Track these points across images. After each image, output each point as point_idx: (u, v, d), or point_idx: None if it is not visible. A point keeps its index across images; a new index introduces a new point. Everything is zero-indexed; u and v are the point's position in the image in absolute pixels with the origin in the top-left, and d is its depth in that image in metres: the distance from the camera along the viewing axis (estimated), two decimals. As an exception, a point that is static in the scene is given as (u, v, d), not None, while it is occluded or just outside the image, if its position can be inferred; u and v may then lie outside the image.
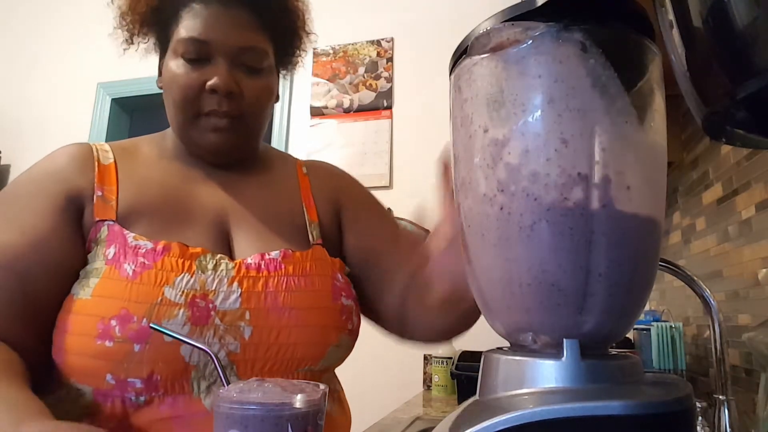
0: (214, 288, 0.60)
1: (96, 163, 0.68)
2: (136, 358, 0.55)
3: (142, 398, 0.56)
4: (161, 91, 0.73)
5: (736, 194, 0.95)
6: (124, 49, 0.75)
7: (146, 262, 0.58)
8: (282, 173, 0.79)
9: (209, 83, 0.65)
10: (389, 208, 2.31)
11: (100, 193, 0.65)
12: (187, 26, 0.66)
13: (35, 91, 2.77)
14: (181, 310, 0.57)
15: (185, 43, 0.66)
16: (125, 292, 0.56)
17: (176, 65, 0.67)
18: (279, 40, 0.73)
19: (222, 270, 0.61)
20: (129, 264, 0.58)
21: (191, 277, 0.59)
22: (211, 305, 0.59)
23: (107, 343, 0.54)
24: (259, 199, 0.73)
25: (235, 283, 0.61)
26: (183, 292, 0.57)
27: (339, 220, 0.79)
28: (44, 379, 0.60)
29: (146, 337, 0.55)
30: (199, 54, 0.66)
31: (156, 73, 0.75)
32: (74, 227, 0.63)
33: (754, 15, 0.28)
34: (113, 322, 0.55)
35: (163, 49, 0.72)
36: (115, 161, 0.69)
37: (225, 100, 0.66)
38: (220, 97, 0.65)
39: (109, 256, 0.59)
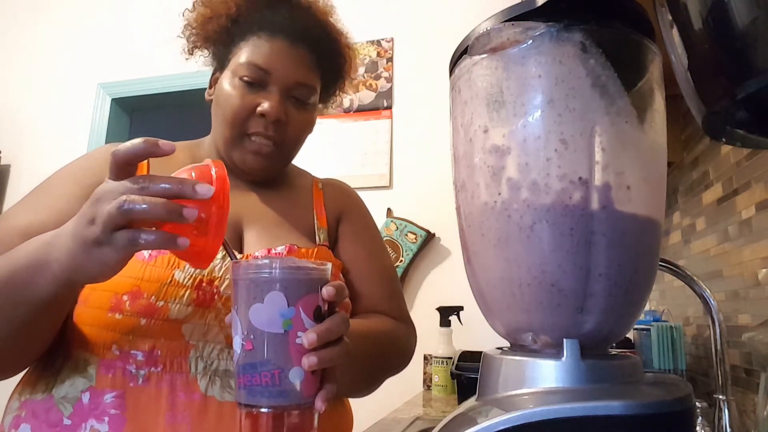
0: (220, 275, 0.63)
1: None
2: (141, 332, 0.59)
3: (142, 372, 0.59)
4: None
5: (736, 194, 0.95)
6: (186, 59, 0.81)
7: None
8: (299, 186, 0.84)
9: (260, 108, 0.69)
10: (389, 208, 2.31)
11: None
12: (252, 52, 0.71)
13: (35, 91, 2.76)
14: (187, 292, 0.60)
15: (247, 67, 0.70)
16: (139, 272, 0.60)
17: (233, 85, 0.71)
18: (327, 79, 0.80)
19: (229, 260, 0.64)
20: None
21: None
22: (215, 290, 0.62)
23: (117, 316, 0.58)
24: (273, 206, 0.77)
25: None
26: (191, 276, 0.61)
27: (337, 229, 0.82)
28: (51, 352, 0.63)
29: (152, 313, 0.59)
30: (257, 79, 0.70)
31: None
32: None
33: (754, 15, 0.28)
34: (125, 297, 0.59)
35: (220, 64, 0.77)
36: (148, 162, 0.74)
37: (272, 126, 0.70)
38: (268, 123, 0.70)
39: None
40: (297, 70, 0.72)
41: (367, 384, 0.73)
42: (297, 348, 0.44)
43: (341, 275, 0.75)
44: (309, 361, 0.44)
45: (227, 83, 0.72)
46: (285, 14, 0.74)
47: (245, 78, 0.70)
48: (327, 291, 0.46)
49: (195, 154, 0.79)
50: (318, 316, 0.45)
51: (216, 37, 0.77)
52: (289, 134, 0.73)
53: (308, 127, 0.77)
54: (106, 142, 2.55)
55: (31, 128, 2.71)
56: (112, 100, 2.63)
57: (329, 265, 0.48)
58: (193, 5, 0.78)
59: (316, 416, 0.47)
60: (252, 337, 0.44)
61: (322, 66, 0.76)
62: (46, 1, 2.90)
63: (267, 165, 0.73)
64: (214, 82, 0.78)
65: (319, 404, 0.45)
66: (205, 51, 0.80)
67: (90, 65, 2.70)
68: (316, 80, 0.75)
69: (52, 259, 0.48)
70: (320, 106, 0.88)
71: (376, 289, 0.78)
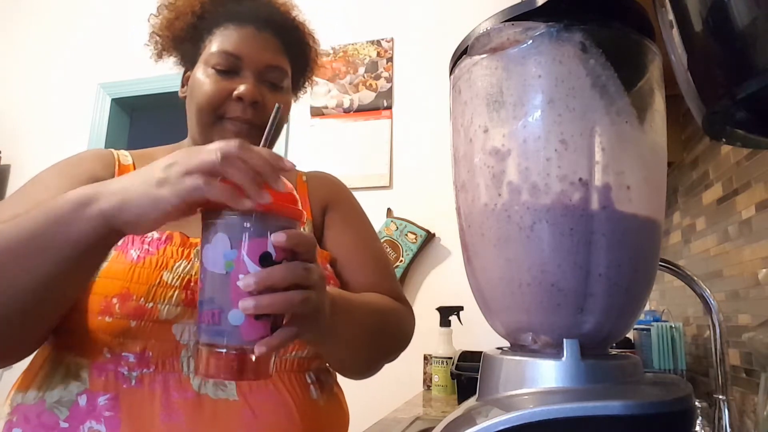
0: None
1: (117, 163, 0.74)
2: (132, 334, 0.59)
3: (134, 373, 0.59)
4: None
5: (736, 194, 0.95)
6: (156, 61, 0.82)
7: (150, 249, 0.63)
8: None
9: (237, 92, 0.70)
10: (389, 208, 2.31)
11: None
12: (222, 41, 0.72)
13: (35, 91, 2.77)
14: (176, 292, 0.60)
15: (218, 56, 0.71)
16: (128, 274, 0.60)
17: (206, 74, 0.72)
18: (295, 65, 0.81)
19: None
20: (135, 250, 0.62)
21: (188, 263, 0.62)
22: None
23: (107, 319, 0.58)
24: None
25: None
26: (179, 276, 0.61)
27: (323, 220, 0.82)
28: (41, 358, 0.63)
29: (142, 315, 0.59)
30: (229, 66, 0.71)
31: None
32: None
33: (754, 15, 0.28)
34: (114, 300, 0.58)
35: (191, 62, 0.78)
36: (133, 163, 0.75)
37: (249, 109, 0.71)
38: (245, 106, 0.70)
39: (118, 243, 0.63)
40: (267, 53, 0.73)
41: (366, 358, 0.73)
42: (238, 291, 0.44)
43: (329, 266, 0.74)
44: (244, 303, 0.43)
45: (200, 74, 0.72)
46: (248, 5, 0.76)
47: (218, 66, 0.71)
48: (276, 237, 0.45)
49: None
50: (265, 262, 0.45)
51: (184, 35, 0.78)
52: (268, 116, 0.73)
53: (285, 109, 0.77)
54: (106, 141, 2.55)
55: (31, 128, 2.71)
56: (112, 100, 2.63)
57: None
58: (158, 10, 0.79)
59: (272, 362, 0.47)
60: (202, 276, 0.46)
61: (289, 51, 0.78)
62: (45, 1, 2.90)
63: None
64: (186, 80, 0.78)
65: (257, 348, 0.44)
66: (174, 53, 0.80)
67: (90, 65, 2.70)
68: (286, 64, 0.77)
69: (102, 195, 0.48)
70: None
71: (369, 272, 0.78)
